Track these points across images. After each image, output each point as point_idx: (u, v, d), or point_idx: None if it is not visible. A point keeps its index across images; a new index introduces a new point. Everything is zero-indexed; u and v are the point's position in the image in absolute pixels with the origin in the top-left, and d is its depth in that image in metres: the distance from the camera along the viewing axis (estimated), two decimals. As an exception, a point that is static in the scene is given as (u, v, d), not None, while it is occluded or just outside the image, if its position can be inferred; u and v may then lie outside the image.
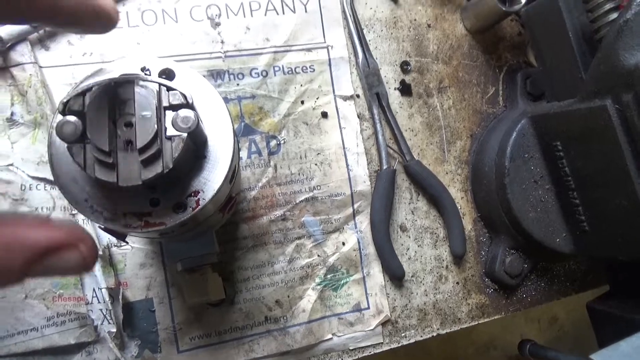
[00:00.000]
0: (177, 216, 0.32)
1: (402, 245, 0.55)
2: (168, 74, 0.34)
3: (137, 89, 0.29)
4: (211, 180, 0.33)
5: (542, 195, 0.51)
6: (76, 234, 0.23)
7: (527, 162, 0.51)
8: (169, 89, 0.30)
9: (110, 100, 0.28)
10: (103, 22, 0.28)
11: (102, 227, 0.33)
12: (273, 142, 0.52)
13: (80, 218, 0.46)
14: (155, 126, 0.28)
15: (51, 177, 0.46)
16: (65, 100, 0.28)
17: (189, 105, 0.30)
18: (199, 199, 0.33)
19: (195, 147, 0.33)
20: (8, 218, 0.22)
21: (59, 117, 0.29)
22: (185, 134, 0.29)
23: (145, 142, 0.28)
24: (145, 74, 0.33)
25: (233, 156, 0.34)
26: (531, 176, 0.51)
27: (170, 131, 0.29)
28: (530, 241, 0.52)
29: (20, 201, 0.46)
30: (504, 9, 0.52)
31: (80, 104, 0.28)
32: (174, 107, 0.30)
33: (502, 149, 0.52)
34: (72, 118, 0.28)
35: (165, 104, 0.30)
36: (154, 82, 0.29)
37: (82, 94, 0.29)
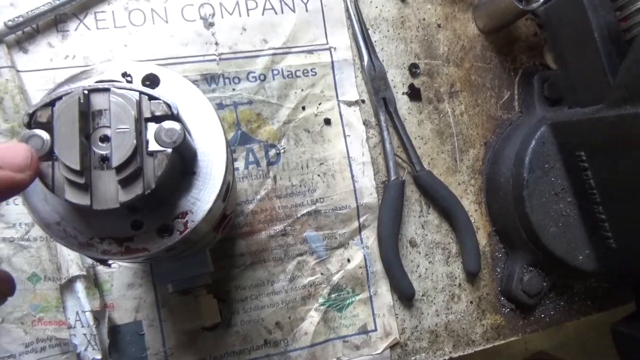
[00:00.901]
0: (163, 241, 0.29)
1: (411, 261, 0.51)
2: (152, 80, 0.30)
3: (112, 98, 0.25)
4: (201, 199, 0.29)
5: (563, 209, 0.47)
6: None
7: (547, 173, 0.47)
8: (150, 97, 0.26)
9: (82, 111, 0.25)
10: None
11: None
12: (272, 152, 0.48)
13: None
14: (135, 141, 0.25)
15: (30, 191, 0.42)
16: (30, 112, 0.25)
17: (174, 117, 0.26)
18: (187, 221, 0.29)
19: (183, 162, 0.29)
20: None
21: (25, 129, 0.25)
22: (169, 149, 0.26)
23: (123, 159, 0.25)
24: (127, 80, 0.30)
25: (226, 171, 0.30)
26: (552, 188, 0.47)
27: (153, 146, 0.26)
28: (550, 258, 0.48)
29: (-4, 217, 0.43)
30: (520, 7, 0.48)
31: (49, 115, 0.25)
32: (157, 119, 0.26)
33: (520, 158, 0.48)
34: (39, 132, 0.24)
35: (146, 114, 0.26)
36: (133, 90, 0.26)
37: (51, 104, 0.25)
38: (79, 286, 0.43)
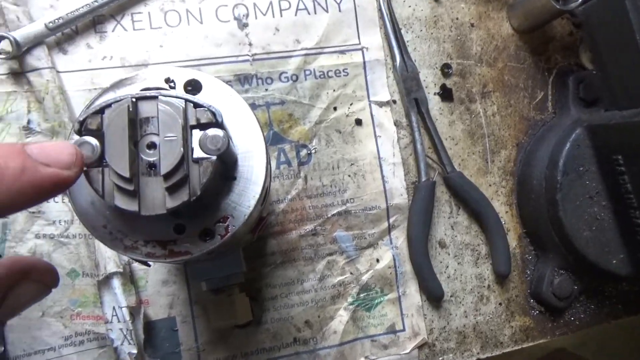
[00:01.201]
0: (205, 245, 0.29)
1: (440, 262, 0.51)
2: (194, 85, 0.31)
3: (160, 107, 0.26)
4: (242, 204, 0.30)
5: (597, 213, 0.47)
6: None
7: (582, 176, 0.47)
8: (196, 105, 0.26)
9: (130, 119, 0.25)
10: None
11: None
12: (303, 152, 0.49)
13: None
14: (182, 149, 0.25)
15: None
16: (81, 119, 0.25)
17: (218, 124, 0.26)
18: (228, 225, 0.30)
19: (225, 168, 0.29)
20: None
21: (75, 136, 0.26)
22: (214, 157, 0.26)
23: (171, 167, 0.25)
24: (170, 86, 0.30)
25: (266, 177, 0.31)
26: (586, 191, 0.47)
27: (197, 153, 0.26)
28: (582, 262, 0.48)
29: (36, 214, 0.44)
30: (558, 6, 0.47)
31: (98, 122, 0.25)
32: (202, 126, 0.26)
33: (554, 160, 0.47)
34: (89, 139, 0.25)
35: (192, 122, 0.26)
36: (179, 98, 0.26)
37: (100, 111, 0.25)
38: (116, 282, 0.44)
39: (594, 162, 0.47)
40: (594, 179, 0.47)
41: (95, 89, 0.45)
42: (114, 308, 0.45)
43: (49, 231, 0.44)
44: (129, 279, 0.45)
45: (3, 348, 0.42)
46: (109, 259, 0.44)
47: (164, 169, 0.25)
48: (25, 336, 0.43)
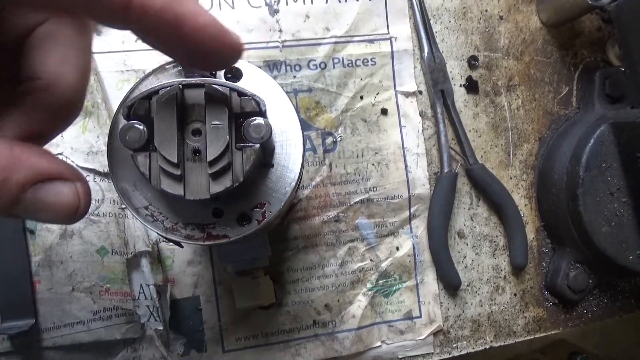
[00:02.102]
0: (242, 229, 0.30)
1: (458, 252, 0.52)
2: (235, 73, 0.31)
3: (207, 95, 0.26)
4: (278, 191, 0.31)
5: (617, 209, 0.47)
6: (75, 172, 0.23)
7: (604, 172, 0.47)
8: (240, 94, 0.27)
9: (178, 105, 0.26)
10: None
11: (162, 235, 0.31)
12: (329, 139, 0.49)
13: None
14: (228, 137, 0.26)
15: (100, 169, 0.44)
16: (130, 104, 0.26)
17: (261, 113, 0.27)
18: (264, 211, 0.30)
19: (264, 155, 0.30)
20: (14, 142, 0.22)
21: (122, 120, 0.26)
22: (257, 145, 0.27)
23: (216, 154, 0.26)
24: (211, 73, 0.31)
25: (302, 165, 0.31)
26: (607, 187, 0.47)
27: (241, 140, 0.27)
28: (599, 256, 0.48)
29: (69, 192, 0.45)
30: (590, 2, 0.47)
31: (146, 108, 0.26)
32: (246, 115, 0.27)
33: (577, 156, 0.48)
34: (137, 124, 0.26)
35: (236, 110, 0.27)
36: (225, 86, 0.27)
37: (148, 97, 0.26)
38: (144, 261, 0.45)
39: (616, 159, 0.47)
40: (616, 176, 0.47)
41: (127, 70, 0.45)
42: (141, 285, 0.46)
43: (80, 209, 0.45)
44: (157, 258, 0.46)
45: (35, 320, 0.44)
46: (138, 238, 0.45)
47: (210, 155, 0.26)
48: (56, 309, 0.45)
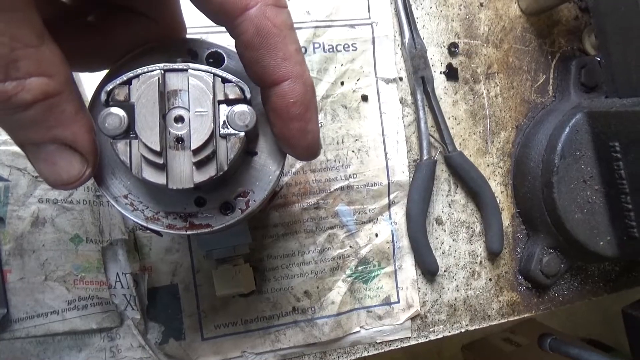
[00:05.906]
0: (225, 218, 0.30)
1: (436, 239, 0.53)
2: (216, 58, 0.30)
3: (191, 80, 0.25)
4: (262, 179, 0.30)
5: (590, 196, 0.49)
6: (95, 158, 0.26)
7: (578, 160, 0.48)
8: (224, 80, 0.26)
9: (160, 91, 0.25)
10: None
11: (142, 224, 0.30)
12: (309, 126, 0.49)
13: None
14: (212, 124, 0.25)
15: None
16: (109, 89, 0.25)
17: (246, 100, 0.26)
18: (248, 199, 0.30)
19: (247, 143, 0.30)
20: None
21: (101, 106, 0.25)
22: (242, 133, 0.26)
23: (201, 142, 0.25)
24: (193, 59, 0.30)
25: (285, 153, 0.31)
26: (581, 175, 0.48)
27: (224, 129, 0.26)
28: (571, 242, 0.50)
29: (39, 178, 0.43)
30: (568, -9, 0.48)
31: (126, 93, 0.25)
32: (230, 102, 0.26)
33: (552, 144, 0.49)
34: (117, 110, 0.25)
35: (219, 97, 0.26)
36: (209, 72, 0.26)
37: (128, 82, 0.25)
38: (120, 249, 0.44)
39: (590, 148, 0.48)
40: (589, 164, 0.48)
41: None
42: (117, 274, 0.45)
43: (52, 196, 0.43)
44: (134, 246, 0.45)
45: (6, 310, 0.43)
46: (114, 225, 0.44)
47: (195, 143, 0.25)
48: (29, 299, 0.43)
